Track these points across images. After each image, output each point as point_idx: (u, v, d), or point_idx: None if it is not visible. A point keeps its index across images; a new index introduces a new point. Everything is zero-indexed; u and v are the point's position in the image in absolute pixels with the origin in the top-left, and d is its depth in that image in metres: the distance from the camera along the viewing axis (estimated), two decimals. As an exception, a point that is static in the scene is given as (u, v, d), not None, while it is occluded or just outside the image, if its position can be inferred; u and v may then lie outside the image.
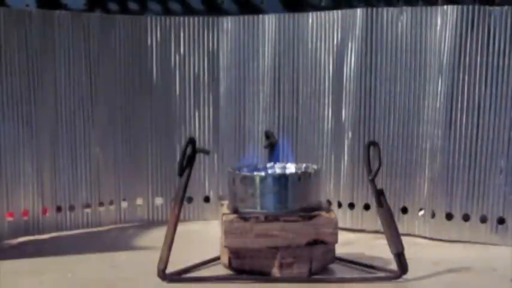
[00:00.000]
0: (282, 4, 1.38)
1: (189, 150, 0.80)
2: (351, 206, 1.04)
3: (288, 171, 0.84)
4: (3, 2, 1.15)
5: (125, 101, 1.07)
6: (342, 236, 0.84)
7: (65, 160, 1.02)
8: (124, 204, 1.09)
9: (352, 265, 0.84)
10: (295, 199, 0.80)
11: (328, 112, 1.04)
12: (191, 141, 0.80)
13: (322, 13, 1.04)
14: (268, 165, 0.86)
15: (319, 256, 0.80)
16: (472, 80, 0.94)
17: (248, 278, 0.79)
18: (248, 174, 0.81)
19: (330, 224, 0.80)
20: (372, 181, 0.80)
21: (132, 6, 1.27)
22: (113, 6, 1.29)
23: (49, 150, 1.01)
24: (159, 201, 1.11)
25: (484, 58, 0.93)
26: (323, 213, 0.81)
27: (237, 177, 0.82)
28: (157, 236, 0.93)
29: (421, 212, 1.00)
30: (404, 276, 0.78)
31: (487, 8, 0.93)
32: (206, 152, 0.86)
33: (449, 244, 0.96)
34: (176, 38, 1.09)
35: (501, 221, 0.95)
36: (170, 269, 0.79)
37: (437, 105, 0.96)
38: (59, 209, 1.03)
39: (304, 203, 0.81)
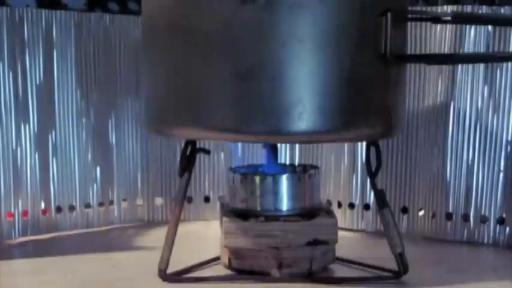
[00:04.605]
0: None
1: (189, 150, 0.80)
2: (351, 206, 1.04)
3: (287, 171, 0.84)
4: (3, 2, 1.15)
5: (124, 101, 1.06)
6: (342, 236, 0.84)
7: (65, 160, 1.02)
8: (124, 204, 1.09)
9: (352, 265, 0.84)
10: (295, 199, 0.80)
11: (328, 112, 1.04)
12: (191, 141, 0.80)
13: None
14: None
15: (319, 256, 0.80)
16: (472, 80, 0.94)
17: (248, 278, 0.79)
18: (248, 174, 0.81)
19: (330, 224, 0.80)
20: (373, 181, 0.80)
21: (132, 6, 1.27)
22: (113, 6, 1.28)
23: (49, 150, 1.01)
24: (159, 201, 1.11)
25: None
26: (323, 213, 0.82)
27: (237, 177, 0.82)
28: (157, 236, 0.93)
29: (421, 212, 1.00)
30: (405, 276, 0.78)
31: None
32: (206, 152, 0.86)
33: (449, 244, 0.96)
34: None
35: (501, 221, 0.95)
36: (170, 269, 0.79)
37: (437, 105, 0.96)
38: (59, 209, 1.03)
39: (304, 203, 0.81)
